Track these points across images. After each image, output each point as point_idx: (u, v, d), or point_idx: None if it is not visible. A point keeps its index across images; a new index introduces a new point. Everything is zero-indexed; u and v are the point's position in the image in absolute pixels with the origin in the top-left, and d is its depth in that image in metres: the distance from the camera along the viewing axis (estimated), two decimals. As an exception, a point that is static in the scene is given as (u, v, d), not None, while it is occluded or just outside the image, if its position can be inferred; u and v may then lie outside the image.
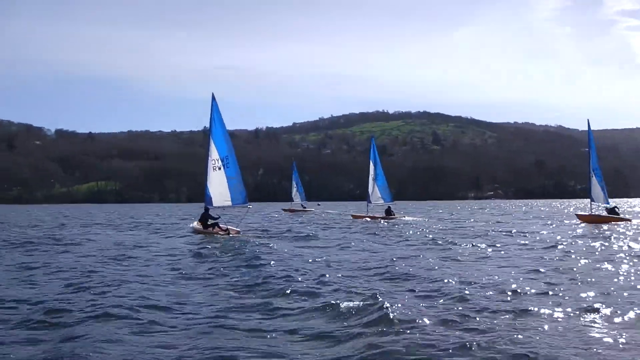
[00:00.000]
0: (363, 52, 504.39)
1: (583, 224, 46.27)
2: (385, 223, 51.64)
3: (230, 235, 36.97)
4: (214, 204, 39.39)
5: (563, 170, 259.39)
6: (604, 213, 49.75)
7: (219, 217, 38.78)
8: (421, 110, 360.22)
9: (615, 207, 50.63)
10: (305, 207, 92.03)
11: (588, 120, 52.98)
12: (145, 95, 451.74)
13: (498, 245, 27.17)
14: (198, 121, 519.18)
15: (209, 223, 38.48)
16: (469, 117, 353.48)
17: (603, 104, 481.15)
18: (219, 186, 39.33)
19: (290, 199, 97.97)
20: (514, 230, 37.99)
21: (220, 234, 36.91)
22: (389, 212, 59.89)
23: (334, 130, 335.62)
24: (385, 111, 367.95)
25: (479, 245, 26.93)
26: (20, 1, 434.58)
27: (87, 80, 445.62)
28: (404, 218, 60.10)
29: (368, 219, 57.78)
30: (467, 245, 27.21)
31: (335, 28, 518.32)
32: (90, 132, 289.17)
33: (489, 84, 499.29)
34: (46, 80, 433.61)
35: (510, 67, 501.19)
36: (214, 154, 39.66)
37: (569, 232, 36.56)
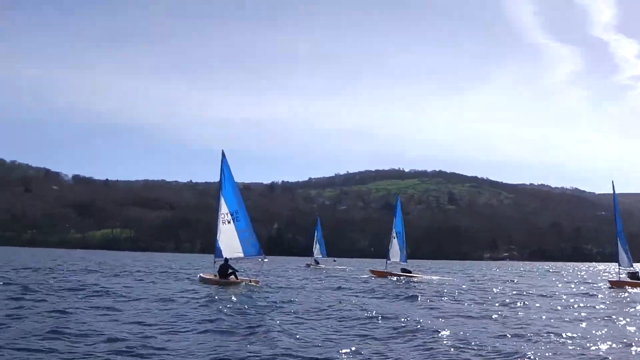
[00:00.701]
0: (380, 109, 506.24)
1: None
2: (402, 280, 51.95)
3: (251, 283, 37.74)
4: (225, 255, 40.11)
5: (579, 233, 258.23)
6: (627, 278, 49.82)
7: (237, 270, 39.31)
8: (437, 169, 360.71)
9: (637, 272, 50.34)
10: (318, 263, 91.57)
11: (612, 182, 52.13)
12: (162, 145, 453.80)
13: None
14: (214, 172, 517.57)
15: (228, 273, 38.76)
16: (484, 178, 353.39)
17: (618, 168, 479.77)
18: (228, 239, 40.44)
19: (311, 253, 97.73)
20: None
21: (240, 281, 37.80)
22: (405, 271, 59.58)
23: (349, 187, 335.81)
24: (401, 169, 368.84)
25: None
26: (41, 47, 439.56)
27: (106, 128, 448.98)
28: (422, 276, 59.65)
29: (393, 277, 56.51)
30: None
31: (353, 85, 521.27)
32: (107, 179, 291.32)
33: (505, 145, 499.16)
34: (65, 125, 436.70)
35: (527, 128, 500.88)
36: (224, 209, 41.00)
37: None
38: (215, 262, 40.84)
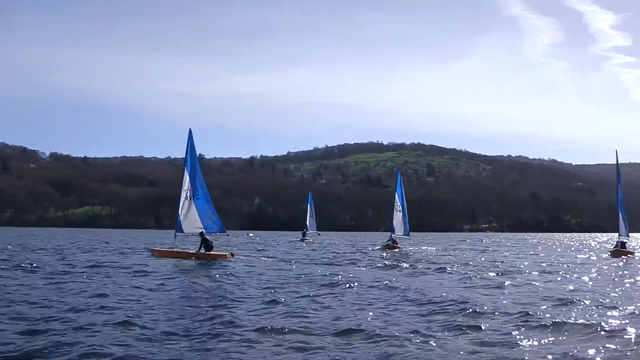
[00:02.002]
0: (358, 81, 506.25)
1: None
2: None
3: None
4: (185, 231, 41.91)
5: (557, 203, 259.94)
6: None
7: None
8: (415, 142, 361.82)
9: (625, 242, 51.96)
10: (305, 236, 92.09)
11: (616, 151, 53.92)
12: (139, 121, 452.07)
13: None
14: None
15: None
16: (463, 150, 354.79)
17: (595, 139, 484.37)
18: (188, 214, 41.89)
19: (305, 227, 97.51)
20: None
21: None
22: (395, 242, 60.52)
23: (328, 160, 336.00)
24: (380, 142, 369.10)
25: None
26: (17, 25, 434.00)
27: (82, 105, 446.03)
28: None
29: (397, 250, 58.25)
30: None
31: (332, 56, 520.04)
32: (85, 157, 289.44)
33: (483, 117, 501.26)
34: (41, 103, 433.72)
35: (504, 100, 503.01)
36: (186, 185, 42.46)
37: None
38: (175, 236, 42.23)
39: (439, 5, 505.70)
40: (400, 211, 62.22)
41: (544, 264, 38.42)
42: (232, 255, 40.13)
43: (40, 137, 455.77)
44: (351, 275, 27.77)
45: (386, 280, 24.90)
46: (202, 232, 40.60)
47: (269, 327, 14.07)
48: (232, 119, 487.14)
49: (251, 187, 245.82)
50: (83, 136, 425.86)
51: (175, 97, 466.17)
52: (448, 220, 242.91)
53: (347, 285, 23.07)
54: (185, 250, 41.01)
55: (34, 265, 30.29)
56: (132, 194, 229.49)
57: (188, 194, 42.07)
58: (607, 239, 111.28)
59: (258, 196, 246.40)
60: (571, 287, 23.44)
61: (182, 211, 41.96)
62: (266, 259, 41.14)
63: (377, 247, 62.84)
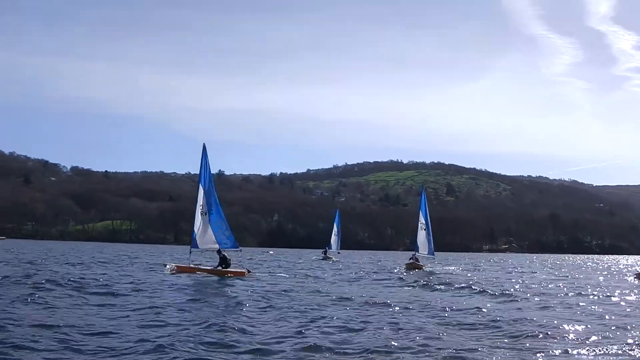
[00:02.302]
0: (379, 100, 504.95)
1: None
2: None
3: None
4: (200, 247, 41.76)
5: (577, 224, 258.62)
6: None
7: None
8: (435, 161, 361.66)
9: None
10: (326, 254, 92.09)
11: None
12: (159, 137, 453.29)
13: None
14: (212, 165, 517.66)
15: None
16: (483, 169, 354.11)
17: (616, 160, 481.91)
18: (204, 230, 41.64)
19: (328, 245, 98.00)
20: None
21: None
22: (417, 261, 60.21)
23: (348, 179, 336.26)
24: (400, 161, 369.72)
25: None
26: (39, 39, 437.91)
27: (104, 120, 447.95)
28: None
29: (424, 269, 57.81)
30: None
31: (353, 75, 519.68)
32: (106, 171, 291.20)
33: (504, 136, 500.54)
34: (62, 117, 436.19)
35: (525, 120, 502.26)
36: (201, 200, 42.24)
37: None
38: (190, 252, 42.00)
39: (458, 25, 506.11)
40: (424, 229, 61.59)
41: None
42: (249, 272, 40.39)
43: (61, 151, 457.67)
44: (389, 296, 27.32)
45: (451, 304, 24.01)
46: (219, 249, 40.75)
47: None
48: (252, 136, 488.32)
49: (270, 204, 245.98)
50: (104, 150, 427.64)
51: (196, 113, 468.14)
52: (467, 240, 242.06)
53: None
54: (204, 266, 41.26)
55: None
56: (152, 209, 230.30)
57: (203, 209, 42.11)
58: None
59: (277, 213, 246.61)
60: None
61: (197, 227, 41.93)
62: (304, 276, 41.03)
63: (402, 267, 62.36)
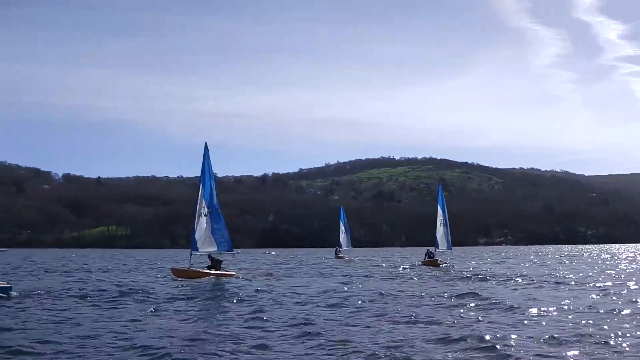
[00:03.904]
0: (367, 97, 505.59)
1: None
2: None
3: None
4: (199, 249, 41.16)
5: (572, 215, 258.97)
6: None
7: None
8: (427, 156, 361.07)
9: None
10: (339, 253, 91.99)
11: None
12: (150, 141, 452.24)
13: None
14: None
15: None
16: (475, 163, 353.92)
17: (606, 149, 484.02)
18: (204, 232, 41.31)
19: (338, 244, 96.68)
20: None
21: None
22: (431, 256, 59.95)
23: (340, 177, 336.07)
24: (392, 157, 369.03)
25: None
26: (26, 45, 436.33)
27: (93, 125, 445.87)
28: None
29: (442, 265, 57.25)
30: None
31: (340, 73, 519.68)
32: (98, 177, 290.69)
33: (494, 129, 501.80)
34: (53, 124, 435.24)
35: (514, 112, 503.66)
36: (202, 202, 41.72)
37: None
38: (191, 255, 41.07)
39: (445, 20, 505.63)
40: (443, 224, 61.95)
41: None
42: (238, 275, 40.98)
43: (52, 158, 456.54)
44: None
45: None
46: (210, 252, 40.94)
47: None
48: (242, 137, 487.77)
49: (264, 205, 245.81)
50: (95, 157, 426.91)
51: (184, 116, 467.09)
52: (462, 234, 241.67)
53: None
54: (204, 270, 40.89)
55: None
56: (146, 213, 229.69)
57: (203, 211, 41.61)
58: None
59: (272, 214, 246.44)
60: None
61: (197, 229, 41.39)
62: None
63: (418, 263, 62.12)
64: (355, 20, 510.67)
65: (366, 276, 42.28)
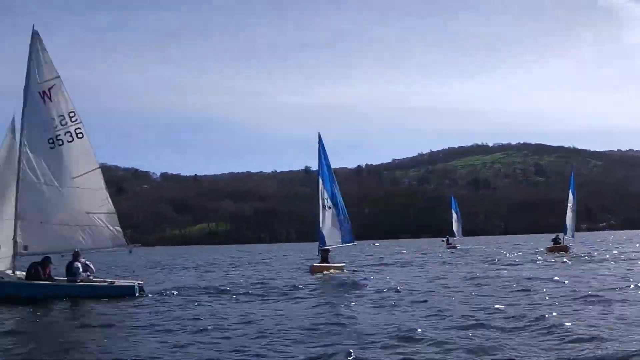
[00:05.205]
0: (459, 84, 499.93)
1: None
2: None
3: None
4: (327, 244, 40.31)
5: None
6: None
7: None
8: (522, 142, 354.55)
9: None
10: (449, 242, 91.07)
11: None
12: (243, 137, 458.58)
13: None
14: (296, 161, 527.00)
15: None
16: (571, 147, 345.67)
17: None
18: (330, 225, 40.73)
19: (450, 233, 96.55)
20: None
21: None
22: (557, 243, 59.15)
23: (434, 165, 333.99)
24: (485, 144, 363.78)
25: None
26: (124, 48, 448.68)
27: (188, 124, 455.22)
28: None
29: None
30: None
31: (430, 60, 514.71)
32: (195, 175, 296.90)
33: (588, 112, 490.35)
34: (148, 124, 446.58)
35: (609, 93, 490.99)
36: (324, 194, 40.86)
37: None
38: (320, 249, 40.39)
39: (536, 2, 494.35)
40: (573, 211, 61.08)
41: None
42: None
43: (149, 158, 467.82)
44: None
45: None
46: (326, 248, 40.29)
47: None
48: (333, 129, 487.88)
49: (360, 197, 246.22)
50: (190, 155, 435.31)
51: (274, 111, 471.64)
52: (564, 220, 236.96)
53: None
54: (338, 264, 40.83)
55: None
56: (245, 209, 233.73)
57: (326, 203, 40.99)
58: None
59: (368, 205, 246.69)
60: None
61: (323, 222, 40.69)
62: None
63: (541, 249, 61.41)
64: (443, 6, 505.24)
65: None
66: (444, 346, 13.66)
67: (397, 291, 25.42)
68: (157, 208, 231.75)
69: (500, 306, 19.35)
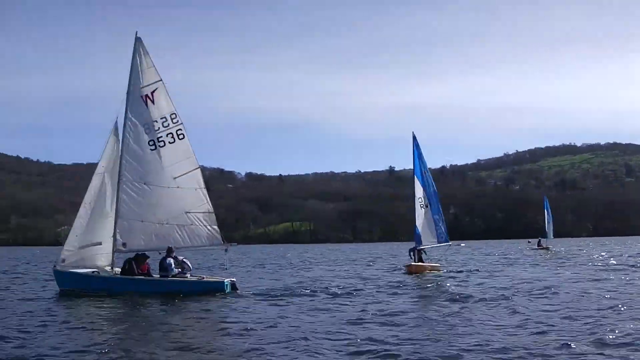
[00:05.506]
0: (545, 83, 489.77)
1: None
2: None
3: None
4: (423, 243, 41.03)
5: None
6: None
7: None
8: (611, 142, 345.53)
9: None
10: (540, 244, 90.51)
11: None
12: (327, 137, 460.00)
13: None
14: (380, 161, 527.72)
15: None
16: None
17: None
18: (426, 224, 41.24)
19: (543, 234, 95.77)
20: None
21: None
22: None
23: (520, 166, 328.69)
24: (572, 144, 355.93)
25: None
26: (210, 50, 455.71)
27: (271, 125, 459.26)
28: None
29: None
30: None
31: (515, 59, 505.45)
32: (280, 175, 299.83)
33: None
34: (233, 126, 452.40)
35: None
36: (419, 192, 41.72)
37: None
38: (416, 249, 40.90)
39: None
40: None
41: None
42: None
43: (234, 159, 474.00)
44: None
45: None
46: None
47: None
48: (418, 130, 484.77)
49: (445, 197, 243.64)
50: (273, 155, 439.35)
51: (359, 112, 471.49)
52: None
53: None
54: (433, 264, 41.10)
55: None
56: (329, 209, 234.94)
57: (422, 202, 41.52)
58: None
59: (453, 206, 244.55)
60: None
61: (419, 222, 41.16)
62: None
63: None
64: (528, 3, 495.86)
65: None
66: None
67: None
68: (241, 207, 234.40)
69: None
